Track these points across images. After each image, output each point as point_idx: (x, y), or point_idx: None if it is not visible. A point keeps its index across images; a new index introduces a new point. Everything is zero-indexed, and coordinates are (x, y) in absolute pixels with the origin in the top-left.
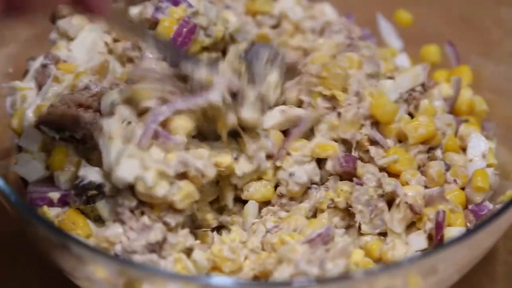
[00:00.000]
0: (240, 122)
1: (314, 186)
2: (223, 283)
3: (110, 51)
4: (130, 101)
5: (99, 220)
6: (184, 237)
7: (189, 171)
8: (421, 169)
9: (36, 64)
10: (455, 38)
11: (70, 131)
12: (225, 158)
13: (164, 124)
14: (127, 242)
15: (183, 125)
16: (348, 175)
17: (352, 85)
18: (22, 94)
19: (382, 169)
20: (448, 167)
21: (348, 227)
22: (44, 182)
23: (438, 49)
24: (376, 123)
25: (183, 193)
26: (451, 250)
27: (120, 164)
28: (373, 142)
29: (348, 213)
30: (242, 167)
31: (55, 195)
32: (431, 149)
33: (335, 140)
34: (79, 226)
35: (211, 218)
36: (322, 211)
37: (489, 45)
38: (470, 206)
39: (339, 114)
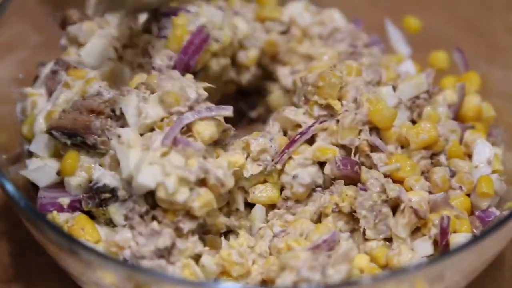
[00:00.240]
0: None
1: (319, 189)
2: None
3: (120, 57)
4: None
5: (109, 224)
6: (193, 243)
7: (208, 178)
8: (425, 175)
9: (46, 70)
10: (463, 45)
11: (82, 137)
12: (238, 158)
13: (188, 129)
14: (136, 247)
15: (207, 129)
16: (352, 180)
17: (350, 92)
18: (32, 100)
19: (386, 174)
20: (453, 174)
21: (352, 231)
22: (54, 187)
23: (446, 55)
24: (375, 129)
25: (202, 201)
26: (458, 257)
27: (141, 171)
28: (374, 148)
29: (352, 217)
30: (249, 168)
31: (65, 201)
32: (434, 155)
33: (335, 146)
34: (88, 232)
35: (221, 223)
36: (327, 215)
37: (497, 51)
38: (476, 212)
39: (337, 121)
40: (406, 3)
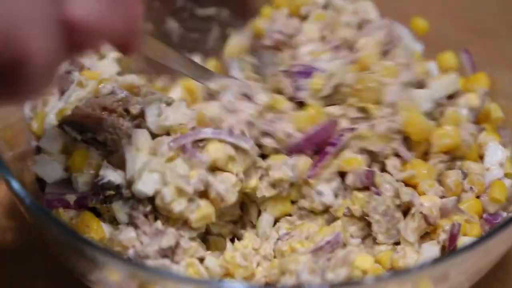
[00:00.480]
0: None
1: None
2: None
3: None
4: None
5: (113, 222)
6: (194, 248)
7: (210, 191)
8: (439, 178)
9: (59, 70)
10: (470, 46)
11: (93, 133)
12: (251, 180)
13: (200, 144)
14: (140, 247)
15: (218, 152)
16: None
17: (386, 95)
18: (43, 98)
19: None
20: (465, 176)
21: (364, 238)
22: (61, 183)
23: (454, 56)
24: (407, 137)
25: (200, 214)
26: (463, 257)
27: (141, 177)
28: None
29: (365, 223)
30: (264, 190)
31: (71, 197)
32: (452, 159)
33: (362, 150)
34: (93, 229)
35: (226, 232)
36: (338, 218)
37: (504, 52)
38: (484, 215)
39: (371, 126)
40: (413, 5)
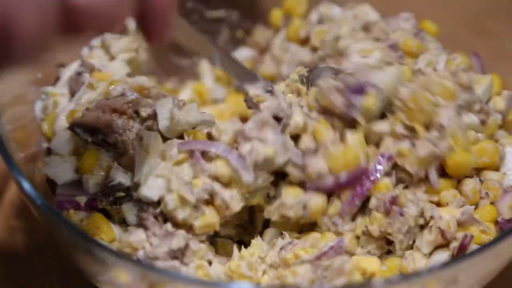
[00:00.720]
0: None
1: None
2: None
3: None
4: None
5: (123, 223)
6: (203, 250)
7: (215, 198)
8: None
9: (69, 71)
10: (480, 49)
11: (103, 135)
12: (254, 199)
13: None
14: (150, 249)
15: (222, 168)
16: None
17: (438, 117)
18: (54, 100)
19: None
20: (482, 183)
21: (381, 255)
22: (72, 185)
23: (466, 57)
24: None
25: (205, 221)
26: (472, 261)
27: (147, 182)
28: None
29: (384, 240)
30: (272, 214)
31: (82, 199)
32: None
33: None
34: (103, 231)
35: (234, 234)
36: (358, 237)
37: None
38: (499, 219)
39: (413, 145)
40: (422, 8)
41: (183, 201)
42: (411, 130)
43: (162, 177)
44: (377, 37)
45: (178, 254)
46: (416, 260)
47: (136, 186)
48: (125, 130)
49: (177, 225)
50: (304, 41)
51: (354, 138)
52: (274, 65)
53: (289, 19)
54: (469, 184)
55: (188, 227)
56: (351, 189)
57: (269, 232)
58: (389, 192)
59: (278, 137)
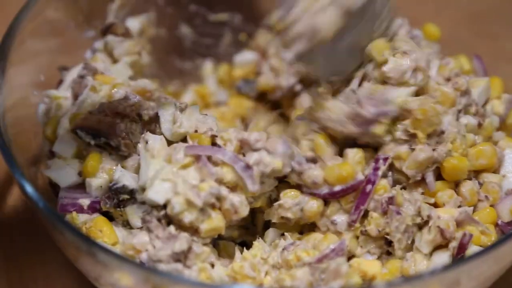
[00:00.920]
0: None
1: None
2: None
3: None
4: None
5: (126, 226)
6: (207, 253)
7: (223, 203)
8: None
9: (72, 74)
10: (482, 52)
11: (106, 138)
12: (257, 202)
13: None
14: (153, 251)
15: (228, 174)
16: None
17: (439, 126)
18: (57, 103)
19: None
20: (480, 185)
21: (381, 255)
22: (75, 188)
23: (468, 60)
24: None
25: (211, 225)
26: (474, 264)
27: (153, 186)
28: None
29: (384, 240)
30: (272, 215)
31: (85, 202)
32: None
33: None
34: (106, 234)
35: (236, 235)
36: (357, 237)
37: None
38: (499, 221)
39: (412, 148)
40: (424, 11)
41: (189, 204)
42: (412, 136)
43: (168, 181)
44: None
45: (181, 257)
46: (417, 262)
47: (142, 189)
48: (128, 133)
49: (182, 228)
50: None
51: (355, 156)
52: (273, 76)
53: None
54: (467, 186)
55: (194, 230)
56: (350, 196)
57: (270, 233)
58: (386, 193)
59: (287, 150)
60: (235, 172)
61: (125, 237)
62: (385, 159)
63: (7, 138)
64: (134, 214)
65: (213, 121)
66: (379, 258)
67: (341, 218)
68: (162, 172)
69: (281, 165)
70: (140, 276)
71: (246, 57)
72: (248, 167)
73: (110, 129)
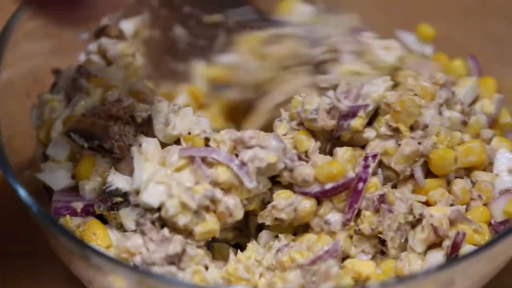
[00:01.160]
0: None
1: None
2: None
3: None
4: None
5: (120, 229)
6: (201, 256)
7: (218, 206)
8: (448, 187)
9: (65, 77)
10: (477, 51)
11: (99, 140)
12: (251, 205)
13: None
14: (147, 254)
15: (223, 175)
16: None
17: (422, 117)
18: (51, 106)
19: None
20: (473, 184)
21: (375, 254)
22: (69, 191)
23: (463, 63)
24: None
25: (206, 227)
26: (468, 263)
27: (147, 189)
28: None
29: (377, 239)
30: (265, 219)
31: (78, 205)
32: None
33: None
34: (100, 237)
35: (231, 237)
36: (351, 237)
37: (510, 57)
38: (492, 221)
39: (398, 144)
40: (417, 11)
41: (184, 207)
42: (396, 130)
43: (162, 184)
44: None
45: (175, 260)
46: (411, 262)
47: (136, 192)
48: (121, 135)
49: (176, 230)
50: None
51: (344, 154)
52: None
53: None
54: (459, 184)
55: (188, 233)
56: (343, 195)
57: (264, 235)
58: (377, 191)
59: (280, 144)
60: (231, 172)
61: (119, 240)
62: (374, 156)
63: (1, 141)
64: (128, 216)
65: (206, 123)
66: (373, 258)
67: (334, 218)
68: (156, 175)
69: (276, 159)
70: (134, 279)
71: (227, 59)
72: (243, 164)
73: (103, 132)
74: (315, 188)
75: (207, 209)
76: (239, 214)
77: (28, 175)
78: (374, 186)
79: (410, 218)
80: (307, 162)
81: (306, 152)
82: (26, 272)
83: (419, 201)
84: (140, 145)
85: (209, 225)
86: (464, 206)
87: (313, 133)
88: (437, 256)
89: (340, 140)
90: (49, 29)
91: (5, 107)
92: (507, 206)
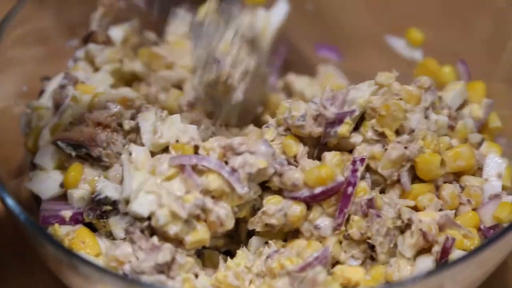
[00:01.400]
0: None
1: None
2: None
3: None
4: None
5: (110, 237)
6: (190, 264)
7: (209, 215)
8: (436, 192)
9: (53, 84)
10: (466, 56)
11: (87, 149)
12: (241, 212)
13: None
14: (136, 263)
15: (214, 182)
16: None
17: (408, 121)
18: (38, 114)
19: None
20: (462, 188)
21: (365, 259)
22: (57, 200)
23: (452, 69)
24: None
25: (196, 237)
26: (456, 269)
27: (137, 198)
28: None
29: (367, 245)
30: (256, 225)
31: (67, 213)
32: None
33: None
34: (89, 245)
35: (221, 244)
36: (341, 242)
37: (500, 61)
38: (481, 226)
39: (385, 149)
40: (407, 17)
41: (174, 216)
42: (382, 135)
43: (152, 193)
44: None
45: (164, 268)
46: (401, 268)
47: (125, 201)
48: (109, 143)
49: (167, 239)
50: None
51: (332, 158)
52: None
53: None
54: (448, 189)
55: (179, 242)
56: (332, 199)
57: (254, 241)
58: (366, 195)
59: (269, 149)
60: (222, 179)
61: (108, 248)
62: (362, 160)
63: None
64: (117, 225)
65: (194, 131)
66: (363, 263)
67: (324, 223)
68: (146, 184)
69: (266, 164)
70: (121, 287)
71: None
72: (234, 170)
73: (91, 140)
74: (305, 193)
75: (197, 218)
76: (230, 224)
77: (17, 184)
78: (363, 190)
79: (399, 223)
80: (297, 166)
81: (295, 156)
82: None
83: (407, 206)
84: (130, 154)
85: (200, 234)
86: (453, 211)
87: (301, 139)
88: (426, 262)
89: (327, 145)
90: (38, 36)
91: None
92: (497, 211)
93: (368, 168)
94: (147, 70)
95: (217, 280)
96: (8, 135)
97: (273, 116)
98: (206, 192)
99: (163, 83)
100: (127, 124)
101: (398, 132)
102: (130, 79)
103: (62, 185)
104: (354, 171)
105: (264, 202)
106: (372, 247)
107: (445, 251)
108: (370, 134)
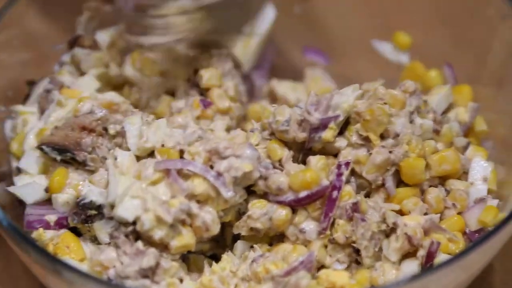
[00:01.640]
0: None
1: None
2: None
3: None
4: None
5: (94, 241)
6: (175, 268)
7: (195, 220)
8: (422, 196)
9: (39, 89)
10: (453, 60)
11: (72, 153)
12: (226, 216)
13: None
14: (121, 267)
15: (200, 186)
16: None
17: (392, 126)
18: (23, 118)
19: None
20: (447, 192)
21: (351, 263)
22: (42, 204)
23: (439, 73)
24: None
25: (182, 242)
26: (441, 273)
27: (122, 203)
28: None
29: (352, 249)
30: (241, 229)
31: (51, 218)
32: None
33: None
34: (73, 250)
35: (207, 248)
36: (325, 246)
37: (487, 65)
38: (467, 230)
39: (370, 153)
40: (394, 20)
41: (159, 221)
42: (367, 139)
43: (137, 198)
44: None
45: (149, 273)
46: (386, 272)
47: (110, 206)
48: (94, 147)
49: (152, 244)
50: None
51: (317, 162)
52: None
53: None
54: (433, 193)
55: (164, 246)
56: (317, 203)
57: (239, 245)
58: (351, 199)
59: (254, 152)
60: (207, 184)
61: (93, 253)
62: (347, 164)
63: None
64: (102, 229)
65: (180, 135)
66: (348, 267)
67: (309, 227)
68: (131, 189)
69: (251, 167)
70: None
71: None
72: (219, 174)
73: (76, 144)
74: (289, 197)
75: (183, 223)
76: (215, 229)
77: (1, 188)
78: (348, 194)
79: (383, 227)
80: (282, 170)
81: (280, 160)
82: None
83: (392, 210)
84: (116, 158)
85: (185, 239)
86: (438, 215)
87: (285, 143)
88: (411, 266)
89: (312, 150)
90: (25, 40)
91: None
92: (482, 215)
93: (353, 172)
94: (139, 75)
95: (202, 284)
96: None
97: (258, 121)
98: (191, 196)
99: (155, 89)
100: (113, 129)
101: (382, 137)
102: (118, 84)
103: (47, 190)
104: (339, 175)
105: (249, 206)
106: (357, 251)
107: (430, 255)
108: (354, 138)
